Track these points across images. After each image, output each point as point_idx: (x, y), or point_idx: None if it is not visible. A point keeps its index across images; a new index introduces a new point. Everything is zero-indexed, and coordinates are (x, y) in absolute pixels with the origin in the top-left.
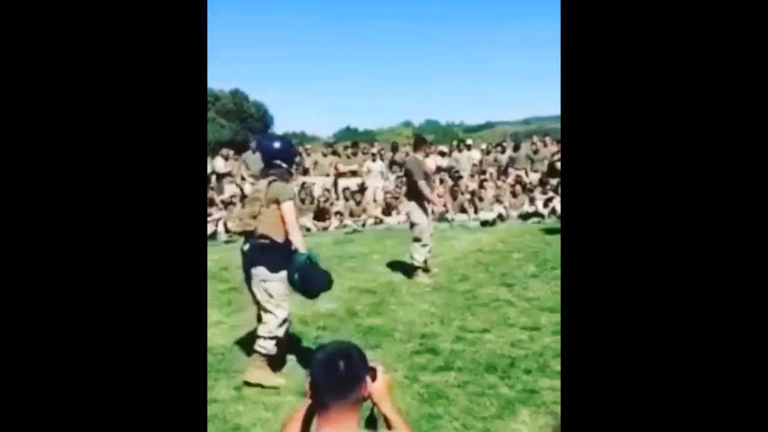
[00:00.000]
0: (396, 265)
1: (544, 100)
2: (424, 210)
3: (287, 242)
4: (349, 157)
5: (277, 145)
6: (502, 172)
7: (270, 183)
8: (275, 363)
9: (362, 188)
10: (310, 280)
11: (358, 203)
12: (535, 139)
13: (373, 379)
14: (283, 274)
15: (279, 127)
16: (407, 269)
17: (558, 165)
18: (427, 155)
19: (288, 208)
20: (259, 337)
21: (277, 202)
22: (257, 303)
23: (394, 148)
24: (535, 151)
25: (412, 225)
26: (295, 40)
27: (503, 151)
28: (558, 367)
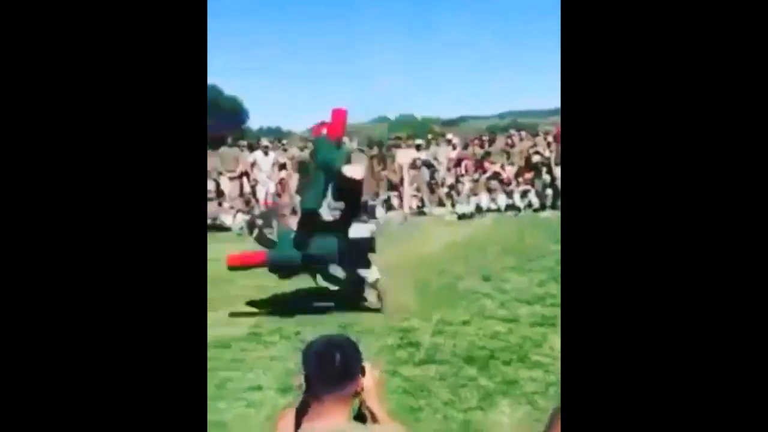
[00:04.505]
0: (373, 259)
1: (518, 95)
2: None
3: None
4: None
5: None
6: (479, 165)
7: None
8: None
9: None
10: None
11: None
12: (511, 132)
13: (362, 375)
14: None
15: (254, 122)
16: (384, 263)
17: (534, 158)
18: None
19: None
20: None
21: None
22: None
23: (371, 144)
24: (511, 145)
25: None
26: (270, 35)
27: (481, 145)
28: (536, 358)
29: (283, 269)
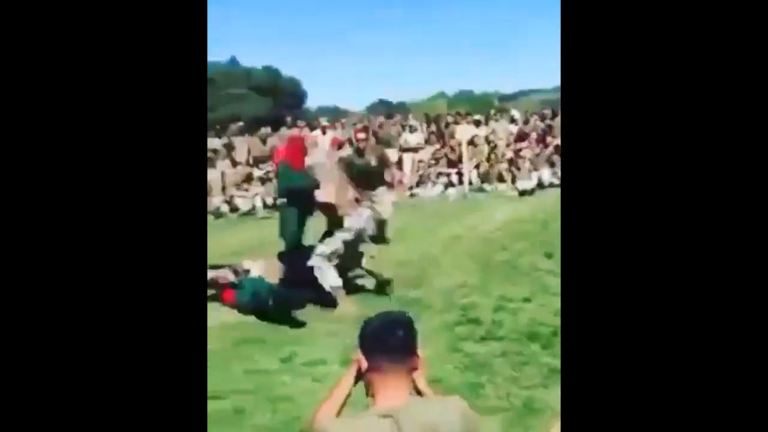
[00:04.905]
0: (433, 237)
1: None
2: None
3: None
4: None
5: None
6: (541, 140)
7: None
8: None
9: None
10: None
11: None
12: None
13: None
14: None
15: (312, 102)
16: (444, 241)
17: None
18: None
19: None
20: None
21: None
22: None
23: (429, 120)
24: None
25: None
26: (324, 13)
27: (542, 119)
28: None
29: (249, 308)
